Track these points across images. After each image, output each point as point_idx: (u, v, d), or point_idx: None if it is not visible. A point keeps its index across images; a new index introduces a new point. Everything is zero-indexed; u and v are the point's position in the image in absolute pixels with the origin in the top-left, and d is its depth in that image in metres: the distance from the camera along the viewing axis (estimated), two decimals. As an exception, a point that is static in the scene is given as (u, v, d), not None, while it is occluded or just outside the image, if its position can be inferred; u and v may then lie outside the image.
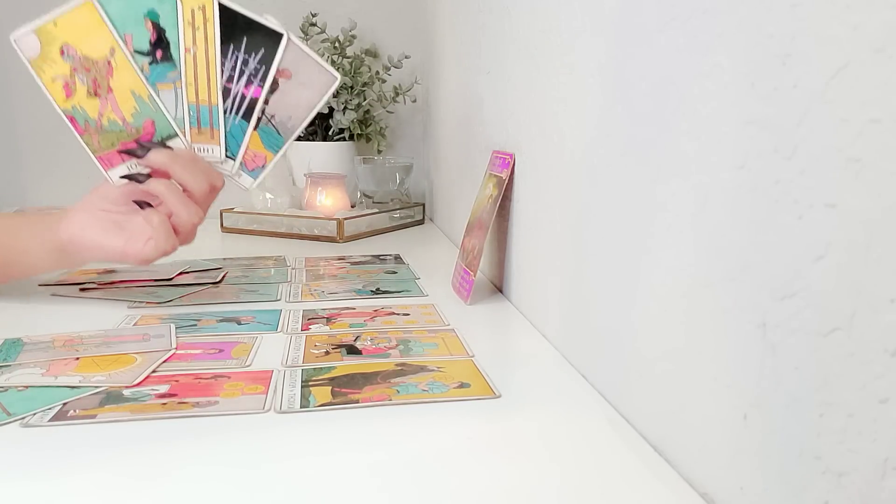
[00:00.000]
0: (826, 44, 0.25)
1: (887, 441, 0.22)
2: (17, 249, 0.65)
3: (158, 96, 0.63)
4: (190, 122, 0.64)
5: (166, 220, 0.62)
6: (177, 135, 0.64)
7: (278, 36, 0.64)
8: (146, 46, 0.62)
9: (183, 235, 0.64)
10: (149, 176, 0.63)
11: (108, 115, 0.63)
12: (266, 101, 0.65)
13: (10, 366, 0.50)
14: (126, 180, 0.64)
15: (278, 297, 0.71)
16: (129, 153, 0.63)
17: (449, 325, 0.61)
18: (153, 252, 0.62)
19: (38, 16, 0.60)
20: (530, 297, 0.63)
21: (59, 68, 0.62)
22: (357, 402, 0.44)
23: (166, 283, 0.77)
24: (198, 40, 0.63)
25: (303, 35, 1.24)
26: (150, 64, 0.63)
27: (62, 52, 0.61)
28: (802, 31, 0.26)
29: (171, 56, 0.63)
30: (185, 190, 0.63)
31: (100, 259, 0.64)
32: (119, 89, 0.63)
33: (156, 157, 0.62)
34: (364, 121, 1.25)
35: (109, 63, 0.62)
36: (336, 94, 1.22)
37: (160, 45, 0.63)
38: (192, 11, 0.62)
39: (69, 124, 0.63)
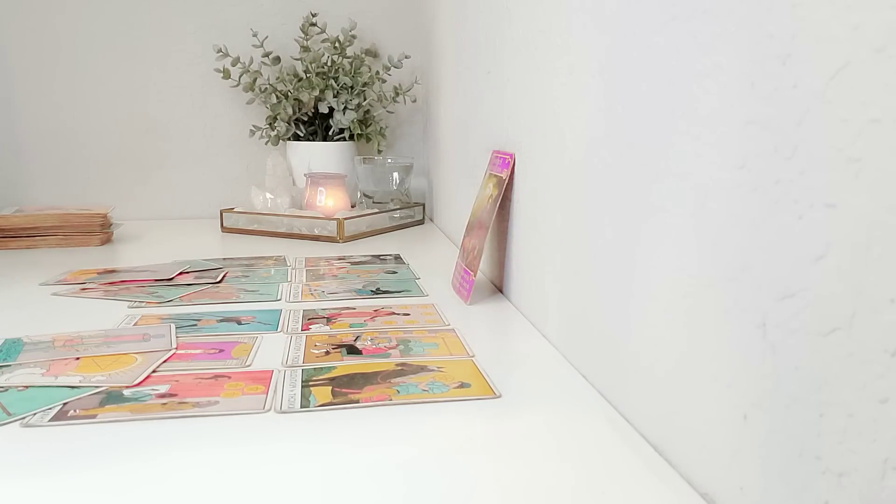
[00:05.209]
0: (826, 44, 0.25)
1: (887, 441, 0.22)
2: None
3: None
4: None
5: None
6: None
7: None
8: None
9: None
10: None
11: None
12: None
13: (10, 366, 0.50)
14: None
15: (278, 297, 0.71)
16: None
17: (449, 325, 0.61)
18: None
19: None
20: (530, 297, 0.63)
21: None
22: (357, 402, 0.44)
23: (166, 282, 0.77)
24: None
25: (303, 35, 1.24)
26: None
27: None
28: (802, 31, 0.26)
29: None
30: None
31: None
32: None
33: None
34: (364, 121, 1.25)
35: None
36: (336, 94, 1.22)
37: None
38: None
39: None
